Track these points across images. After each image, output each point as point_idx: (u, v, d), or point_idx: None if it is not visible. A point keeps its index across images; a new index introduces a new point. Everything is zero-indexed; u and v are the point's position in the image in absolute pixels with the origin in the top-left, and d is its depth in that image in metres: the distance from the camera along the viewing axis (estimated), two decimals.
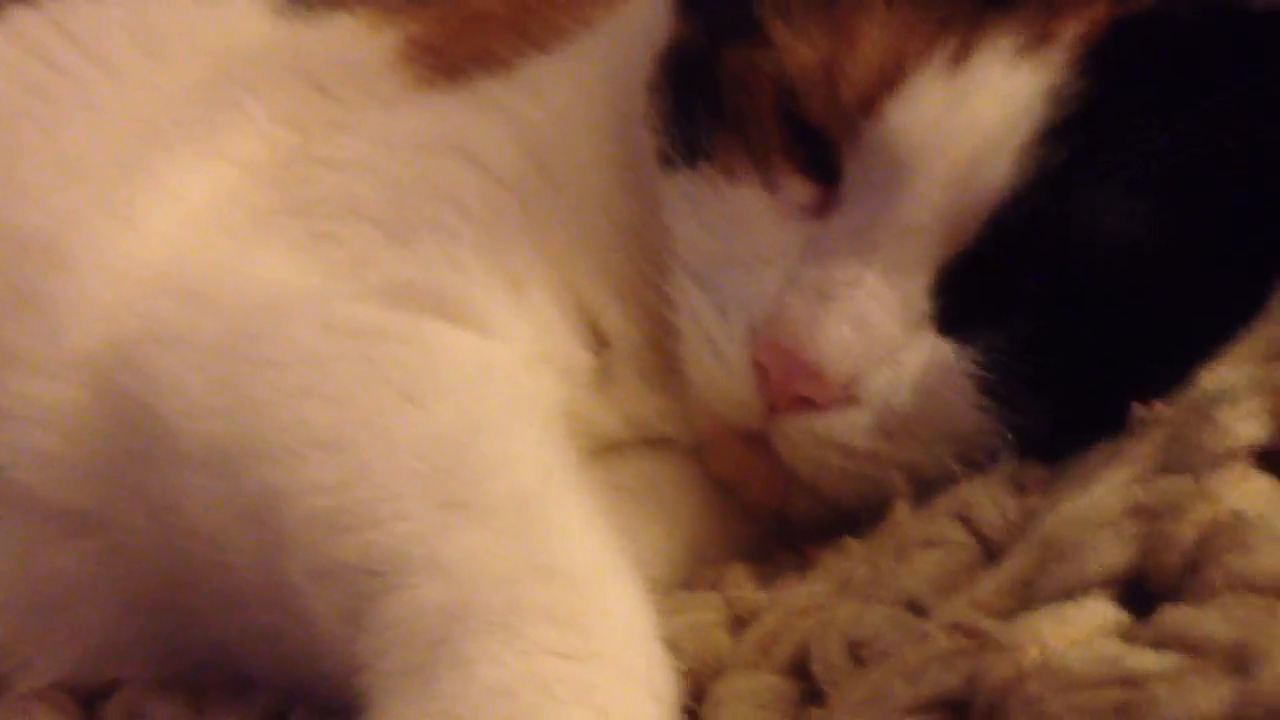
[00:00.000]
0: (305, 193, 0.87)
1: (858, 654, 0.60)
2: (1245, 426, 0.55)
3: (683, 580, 0.76)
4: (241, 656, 0.78)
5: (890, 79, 0.70)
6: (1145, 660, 0.46)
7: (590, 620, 0.61)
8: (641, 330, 0.81)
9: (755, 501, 0.78)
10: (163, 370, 0.77)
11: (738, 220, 0.75)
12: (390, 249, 0.82)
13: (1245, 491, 0.52)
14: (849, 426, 0.71)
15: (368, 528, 0.67)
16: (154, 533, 0.77)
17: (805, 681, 0.62)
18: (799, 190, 0.74)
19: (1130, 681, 0.45)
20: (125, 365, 0.79)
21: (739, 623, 0.68)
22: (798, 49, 0.73)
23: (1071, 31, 0.68)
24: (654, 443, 0.82)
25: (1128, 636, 0.49)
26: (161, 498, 0.75)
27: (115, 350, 0.80)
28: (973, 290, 0.70)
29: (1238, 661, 0.44)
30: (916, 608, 0.60)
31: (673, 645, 0.64)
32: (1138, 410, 0.62)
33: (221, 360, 0.77)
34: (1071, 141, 0.67)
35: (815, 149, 0.73)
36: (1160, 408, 0.61)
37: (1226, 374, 0.59)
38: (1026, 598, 0.54)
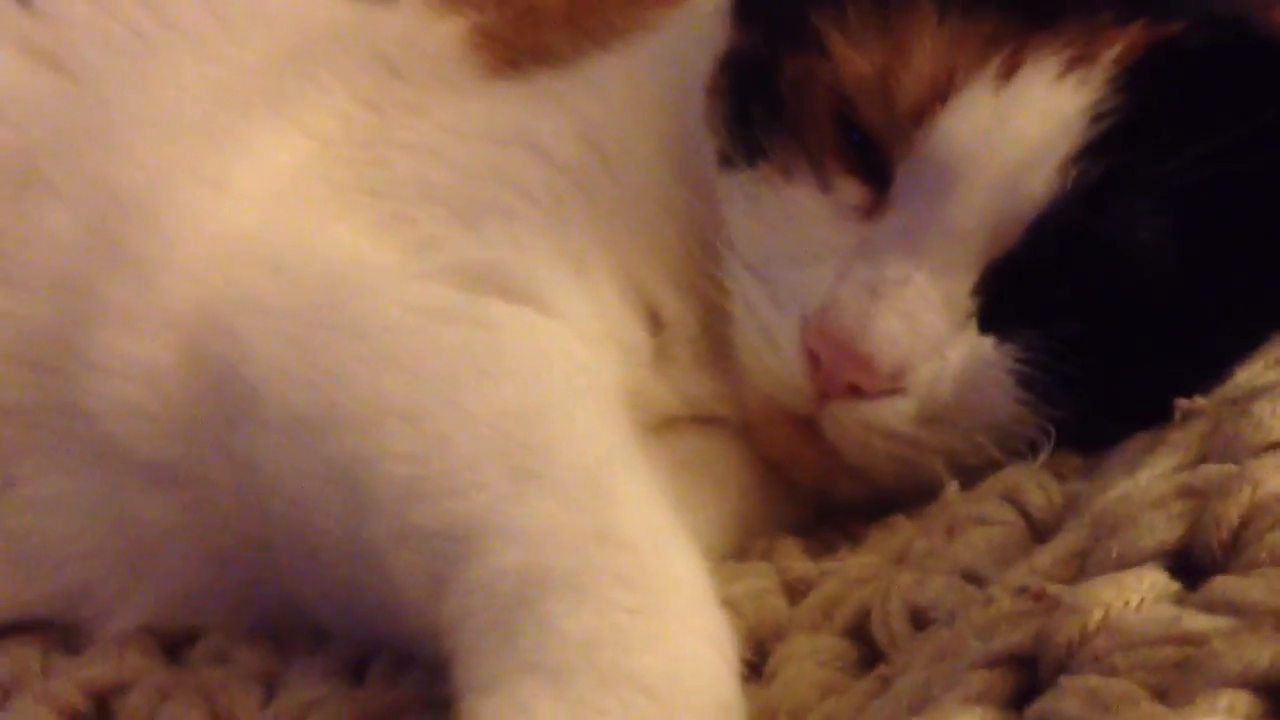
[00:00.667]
0: (381, 174, 0.88)
1: (919, 619, 0.63)
2: None
3: (734, 553, 0.79)
4: (320, 610, 0.81)
5: (941, 92, 0.73)
6: (1201, 621, 0.49)
7: (655, 582, 0.64)
8: (696, 315, 0.83)
9: (802, 481, 0.82)
10: (249, 336, 0.79)
11: (793, 218, 0.78)
12: (460, 232, 0.84)
13: None
14: (894, 414, 0.75)
15: (447, 496, 0.69)
16: (236, 488, 0.79)
17: (865, 645, 0.65)
18: (852, 192, 0.77)
19: (1189, 639, 0.48)
20: (213, 328, 0.81)
21: (791, 591, 0.71)
22: (854, 60, 0.75)
23: (1111, 52, 0.71)
24: (707, 421, 0.84)
25: (1181, 603, 0.51)
26: (244, 457, 0.77)
27: (203, 312, 0.81)
28: (1014, 292, 0.73)
29: None
30: (973, 577, 0.62)
31: (732, 608, 0.66)
32: (1180, 404, 0.65)
33: (304, 329, 0.78)
34: (1109, 156, 0.70)
35: (868, 153, 0.76)
36: (1201, 402, 0.64)
37: (1262, 371, 0.62)
38: (1081, 569, 0.57)
